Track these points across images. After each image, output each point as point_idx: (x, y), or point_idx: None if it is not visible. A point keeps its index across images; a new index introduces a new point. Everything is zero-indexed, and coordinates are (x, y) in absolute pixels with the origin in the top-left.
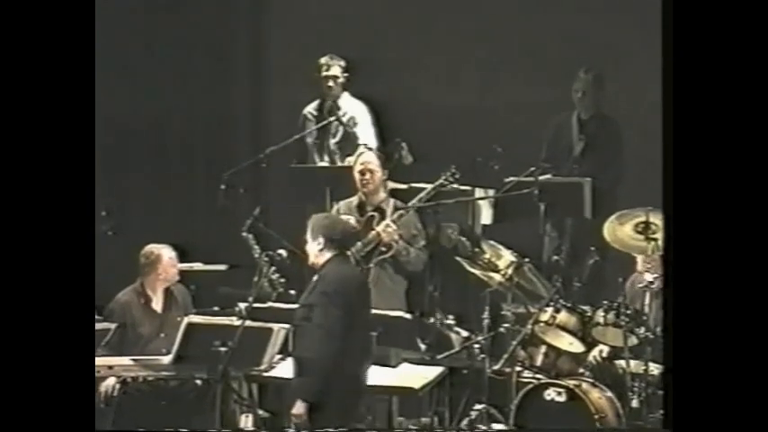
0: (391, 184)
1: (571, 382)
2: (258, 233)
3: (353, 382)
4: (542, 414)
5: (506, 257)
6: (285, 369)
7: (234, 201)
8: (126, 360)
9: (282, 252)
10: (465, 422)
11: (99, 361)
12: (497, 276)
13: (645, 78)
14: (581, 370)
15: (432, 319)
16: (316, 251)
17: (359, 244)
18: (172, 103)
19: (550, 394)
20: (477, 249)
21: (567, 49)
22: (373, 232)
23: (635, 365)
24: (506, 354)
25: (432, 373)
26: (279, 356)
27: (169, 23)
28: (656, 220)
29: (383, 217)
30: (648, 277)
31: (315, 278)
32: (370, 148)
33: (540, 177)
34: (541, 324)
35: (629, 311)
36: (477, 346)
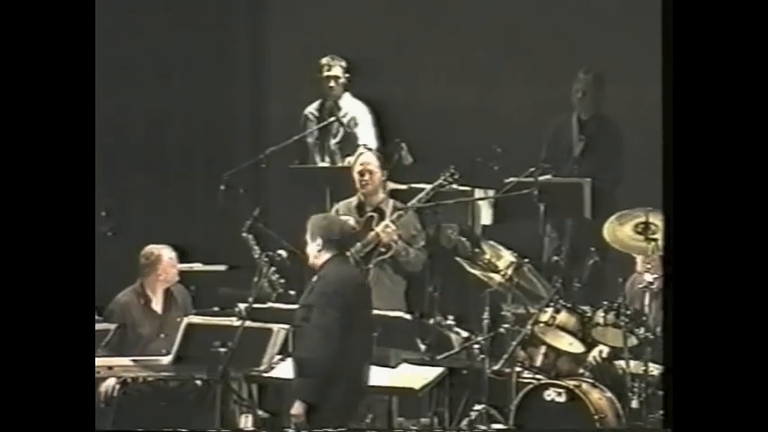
0: (391, 185)
1: (571, 383)
2: (258, 234)
3: (353, 383)
4: (542, 414)
5: (506, 258)
6: (285, 370)
7: (234, 201)
8: (126, 360)
9: (282, 252)
10: (465, 422)
11: (99, 361)
12: (497, 277)
13: (645, 78)
14: (581, 370)
15: (431, 321)
16: (314, 252)
17: (358, 245)
18: (172, 103)
19: (550, 395)
20: (476, 250)
21: (567, 49)
22: (372, 233)
23: (635, 366)
24: (506, 354)
25: (431, 373)
26: (278, 357)
27: (169, 23)
28: (656, 220)
29: (382, 217)
30: (648, 278)
31: (314, 279)
32: (369, 149)
33: (540, 178)
34: (541, 324)
35: (628, 312)
36: (476, 346)
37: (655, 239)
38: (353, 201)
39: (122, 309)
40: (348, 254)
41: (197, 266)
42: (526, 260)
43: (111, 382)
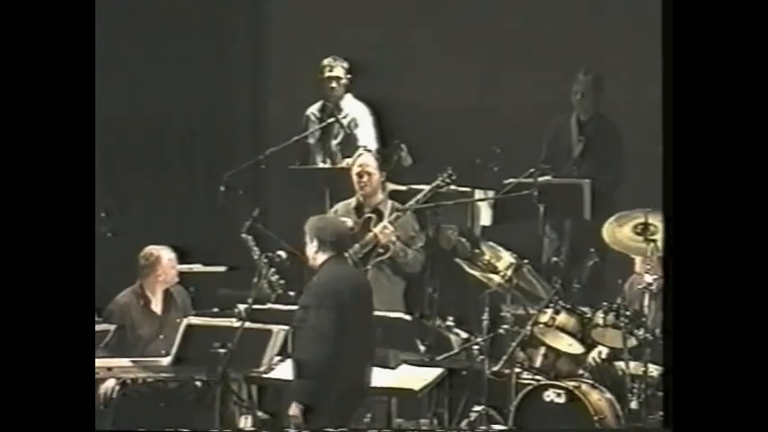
0: (391, 186)
1: (570, 384)
2: (257, 234)
3: (352, 384)
4: (542, 415)
5: (506, 259)
6: (284, 371)
7: (233, 202)
8: (125, 361)
9: (282, 253)
10: (464, 423)
11: (98, 362)
12: (497, 278)
13: (645, 78)
14: (580, 371)
15: (431, 323)
16: (312, 253)
17: (356, 246)
18: (172, 103)
19: (550, 395)
20: (476, 251)
21: (567, 49)
22: (371, 234)
23: (634, 367)
24: (506, 355)
25: (431, 374)
26: (278, 358)
27: (169, 23)
28: (656, 221)
29: (381, 218)
30: (648, 278)
31: (313, 280)
32: (368, 150)
33: (540, 179)
34: (541, 325)
35: (628, 313)
36: (476, 347)
37: (654, 240)
38: (352, 202)
39: (122, 310)
40: (346, 255)
41: (196, 267)
42: (525, 261)
43: (110, 383)
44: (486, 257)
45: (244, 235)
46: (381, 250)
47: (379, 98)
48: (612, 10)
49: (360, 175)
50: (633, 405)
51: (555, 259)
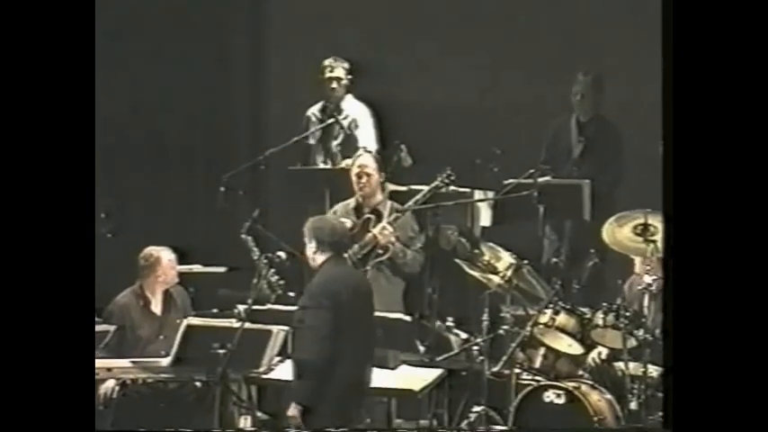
0: (391, 187)
1: (570, 384)
2: (257, 235)
3: (351, 384)
4: (541, 416)
5: (505, 259)
6: (284, 371)
7: (233, 203)
8: (125, 362)
9: (281, 254)
10: (464, 424)
11: (98, 363)
12: (496, 278)
13: (645, 78)
14: (580, 372)
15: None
16: (311, 254)
17: (356, 246)
18: (172, 103)
19: (549, 396)
20: (476, 251)
21: (567, 49)
22: (370, 234)
23: (634, 367)
24: (505, 356)
25: (431, 375)
26: (278, 358)
27: (169, 23)
28: (655, 222)
29: (380, 219)
30: (647, 279)
31: (312, 280)
32: (368, 151)
33: (540, 179)
34: (540, 326)
35: (628, 313)
36: (476, 348)
37: (654, 241)
38: (351, 202)
39: (121, 310)
40: (346, 255)
41: (196, 268)
42: (525, 262)
43: (110, 383)
44: (486, 258)
45: (243, 236)
46: (380, 251)
47: (378, 98)
48: (612, 10)
49: (359, 175)
50: (633, 406)
51: (555, 260)
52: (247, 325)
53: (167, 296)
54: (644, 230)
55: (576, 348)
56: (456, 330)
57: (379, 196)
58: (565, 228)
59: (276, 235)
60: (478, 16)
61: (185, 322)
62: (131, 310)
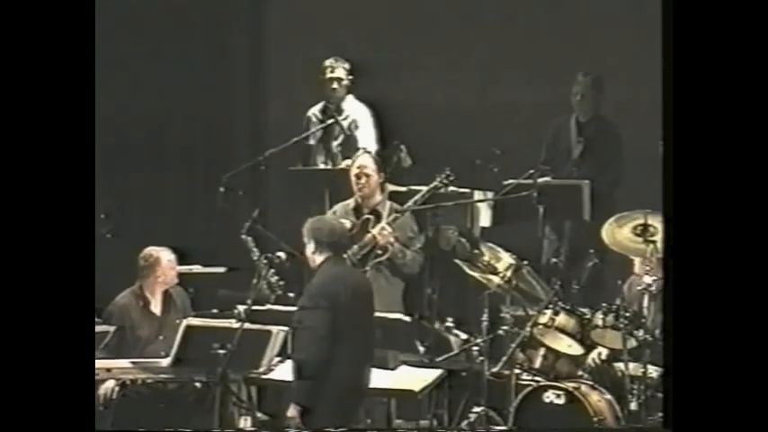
0: (390, 187)
1: (570, 385)
2: (257, 236)
3: (350, 385)
4: (541, 416)
5: (505, 260)
6: (284, 371)
7: (233, 203)
8: (125, 363)
9: (281, 254)
10: (464, 424)
11: (98, 364)
12: (496, 279)
13: (645, 78)
14: (580, 372)
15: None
16: (310, 254)
17: (355, 247)
18: (172, 103)
19: (549, 397)
20: (475, 252)
21: (566, 49)
22: (369, 235)
23: (634, 368)
24: (505, 356)
25: (431, 375)
26: (277, 359)
27: (169, 23)
28: (655, 222)
29: (379, 220)
30: (647, 280)
31: (311, 281)
32: (367, 152)
33: (539, 180)
34: (540, 326)
35: (627, 314)
36: (475, 348)
37: (653, 241)
38: (351, 203)
39: (121, 311)
40: (345, 256)
41: (196, 268)
42: (525, 262)
43: (109, 384)
44: (486, 258)
45: (243, 236)
46: (380, 251)
47: (378, 98)
48: (612, 10)
49: (358, 176)
50: (633, 406)
51: (554, 260)
52: (247, 325)
53: (167, 296)
54: (644, 231)
55: (575, 349)
56: (456, 331)
57: (379, 197)
58: (564, 228)
59: (276, 235)
60: (478, 16)
61: (185, 323)
62: (131, 311)
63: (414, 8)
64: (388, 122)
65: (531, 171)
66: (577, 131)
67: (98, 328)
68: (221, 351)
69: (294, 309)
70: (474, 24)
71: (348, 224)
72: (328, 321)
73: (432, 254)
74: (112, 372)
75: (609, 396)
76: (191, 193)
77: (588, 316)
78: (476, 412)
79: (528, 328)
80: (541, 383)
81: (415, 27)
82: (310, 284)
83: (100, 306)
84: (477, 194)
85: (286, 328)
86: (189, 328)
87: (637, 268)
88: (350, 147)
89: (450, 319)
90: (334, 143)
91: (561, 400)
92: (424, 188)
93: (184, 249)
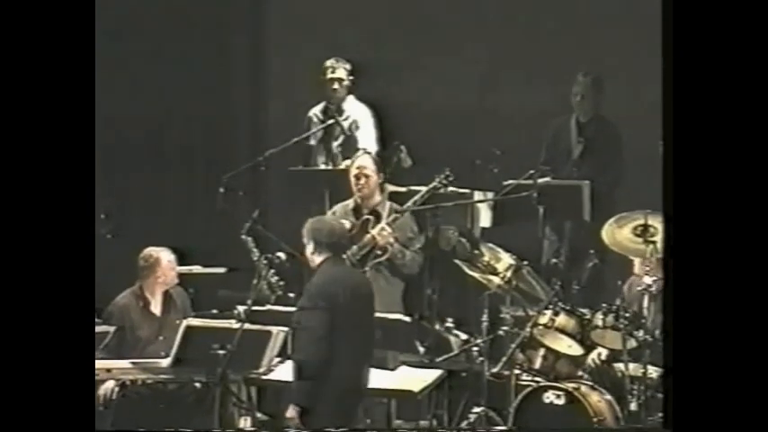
0: (390, 187)
1: (570, 385)
2: (257, 236)
3: (350, 385)
4: (541, 417)
5: (505, 260)
6: (283, 372)
7: (233, 203)
8: (125, 363)
9: (281, 255)
10: (464, 425)
11: (98, 364)
12: (496, 279)
13: (645, 78)
14: (580, 373)
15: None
16: (309, 255)
17: (354, 247)
18: (172, 103)
19: (549, 397)
20: (475, 252)
21: (566, 50)
22: (368, 235)
23: (634, 368)
24: (505, 357)
25: (430, 375)
26: (277, 359)
27: (169, 24)
28: (655, 222)
29: (378, 220)
30: (647, 280)
31: (311, 281)
32: (367, 152)
33: (539, 180)
34: (540, 327)
35: (627, 314)
36: (475, 348)
37: (653, 242)
38: (350, 203)
39: (121, 311)
40: (344, 256)
41: (196, 269)
42: (525, 262)
43: (109, 384)
44: (486, 259)
45: (243, 236)
46: (379, 252)
47: (378, 98)
48: (612, 10)
49: (357, 177)
50: (633, 406)
51: (554, 261)
52: (247, 326)
53: (167, 297)
54: (644, 231)
55: (575, 349)
56: (456, 331)
57: (378, 197)
58: (565, 229)
59: (276, 236)
60: (478, 16)
61: (185, 323)
62: (131, 311)
63: (414, 8)
64: (388, 123)
65: (531, 171)
66: (577, 132)
67: (98, 329)
68: (221, 351)
69: (294, 309)
70: (474, 24)
71: (348, 225)
72: (328, 322)
73: (432, 254)
74: (112, 372)
75: (609, 396)
76: (191, 193)
77: (588, 316)
78: (476, 413)
79: (528, 329)
80: (541, 384)
81: (415, 27)
82: (310, 285)
83: (100, 306)
84: (477, 195)
85: (286, 329)
86: (189, 328)
87: (637, 269)
88: (350, 147)
89: (450, 320)
90: (335, 143)
91: (561, 401)
92: (424, 188)
93: (184, 250)
